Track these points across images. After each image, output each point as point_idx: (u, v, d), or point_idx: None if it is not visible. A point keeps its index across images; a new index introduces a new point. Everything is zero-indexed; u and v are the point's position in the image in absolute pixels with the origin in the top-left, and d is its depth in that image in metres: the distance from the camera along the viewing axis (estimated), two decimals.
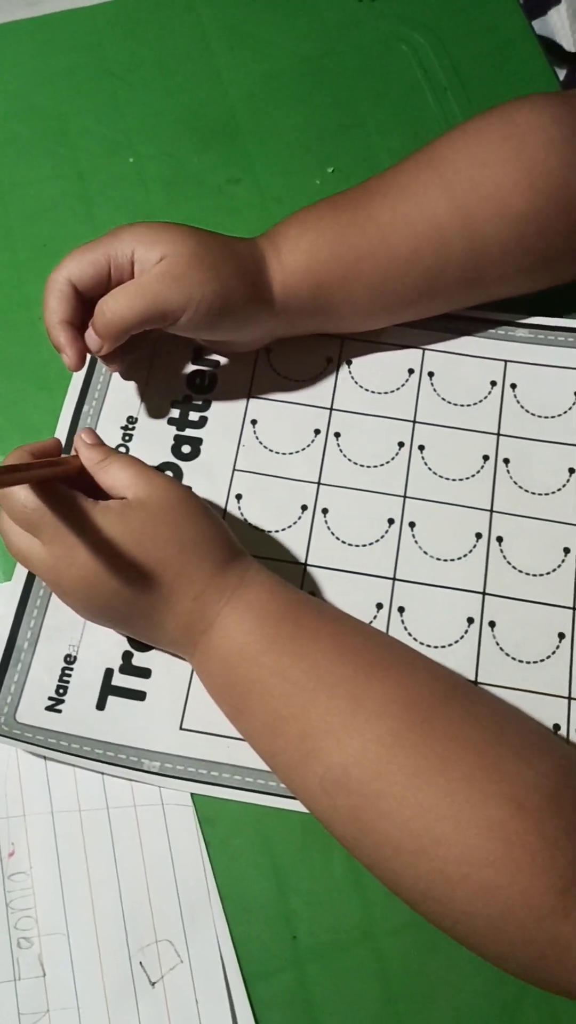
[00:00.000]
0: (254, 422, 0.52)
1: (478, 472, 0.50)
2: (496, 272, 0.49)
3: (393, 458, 0.51)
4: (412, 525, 0.49)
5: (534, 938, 0.34)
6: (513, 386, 0.52)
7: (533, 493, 0.50)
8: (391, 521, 0.50)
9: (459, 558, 0.49)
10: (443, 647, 0.47)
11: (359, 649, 0.41)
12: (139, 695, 0.46)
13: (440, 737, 0.37)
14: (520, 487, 0.50)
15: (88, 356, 0.48)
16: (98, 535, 0.40)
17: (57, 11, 0.64)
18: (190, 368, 0.53)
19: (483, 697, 0.41)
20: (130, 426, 0.51)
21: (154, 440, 0.51)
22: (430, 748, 0.37)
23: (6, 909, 0.43)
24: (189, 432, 0.52)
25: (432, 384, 0.52)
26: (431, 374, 0.52)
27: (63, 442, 0.50)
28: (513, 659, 0.47)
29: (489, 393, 0.52)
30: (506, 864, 0.34)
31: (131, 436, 0.51)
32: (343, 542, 0.49)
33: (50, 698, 0.46)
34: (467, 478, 0.50)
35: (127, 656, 0.47)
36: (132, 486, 0.42)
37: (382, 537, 0.49)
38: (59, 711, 0.46)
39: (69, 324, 0.46)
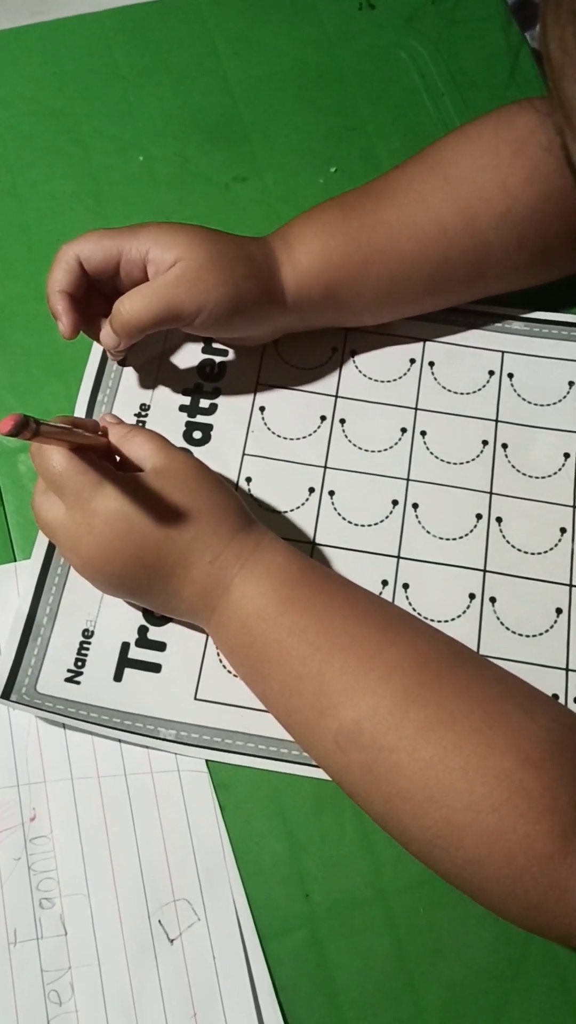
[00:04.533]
0: (262, 409, 0.54)
1: (478, 456, 0.53)
2: (496, 270, 0.51)
3: (396, 443, 0.53)
4: (415, 506, 0.52)
5: (535, 882, 0.36)
6: (510, 375, 0.54)
7: (530, 476, 0.52)
8: (395, 502, 0.52)
9: (461, 537, 0.51)
10: (446, 621, 0.49)
11: (371, 613, 0.43)
12: (155, 667, 0.48)
13: (449, 694, 0.39)
14: (518, 470, 0.52)
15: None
16: (116, 503, 0.42)
17: (65, 16, 0.66)
18: (200, 357, 0.55)
19: (487, 661, 0.43)
20: (143, 413, 0.53)
21: (166, 426, 0.53)
22: (440, 704, 0.39)
23: (28, 871, 0.45)
24: (200, 419, 0.54)
25: (433, 373, 0.55)
26: (432, 364, 0.55)
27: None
28: (513, 632, 0.49)
29: (488, 382, 0.54)
30: (510, 810, 0.36)
31: (144, 423, 0.53)
32: (349, 522, 0.51)
33: (69, 670, 0.48)
34: (467, 462, 0.53)
35: (143, 630, 0.49)
36: (151, 457, 0.44)
37: (387, 518, 0.51)
38: (78, 683, 0.47)
39: (68, 295, 0.48)
